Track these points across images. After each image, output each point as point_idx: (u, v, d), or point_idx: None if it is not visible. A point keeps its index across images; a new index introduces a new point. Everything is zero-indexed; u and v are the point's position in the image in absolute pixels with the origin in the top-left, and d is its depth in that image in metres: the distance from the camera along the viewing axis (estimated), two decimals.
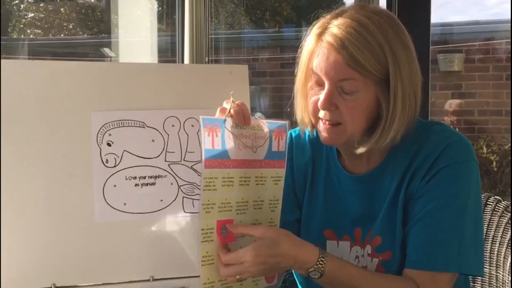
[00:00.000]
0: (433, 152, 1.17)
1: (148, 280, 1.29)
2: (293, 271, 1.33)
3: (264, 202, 1.18)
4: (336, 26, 1.15)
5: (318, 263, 1.10)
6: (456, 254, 1.15)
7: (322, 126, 1.20)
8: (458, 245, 1.15)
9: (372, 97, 1.16)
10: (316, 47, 1.18)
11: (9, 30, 5.19)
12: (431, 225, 1.15)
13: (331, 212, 1.28)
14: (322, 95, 1.16)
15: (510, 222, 1.49)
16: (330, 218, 1.28)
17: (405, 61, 1.15)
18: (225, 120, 1.14)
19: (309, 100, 1.22)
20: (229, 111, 1.14)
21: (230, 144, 1.13)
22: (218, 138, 1.12)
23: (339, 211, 1.27)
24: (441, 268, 1.14)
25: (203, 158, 1.10)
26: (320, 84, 1.18)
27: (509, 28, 4.88)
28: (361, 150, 1.19)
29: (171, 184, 1.30)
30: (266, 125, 1.19)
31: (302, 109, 1.26)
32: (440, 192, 1.16)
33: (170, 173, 1.31)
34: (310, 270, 1.10)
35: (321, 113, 1.19)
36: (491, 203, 1.55)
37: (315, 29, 1.20)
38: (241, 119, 1.14)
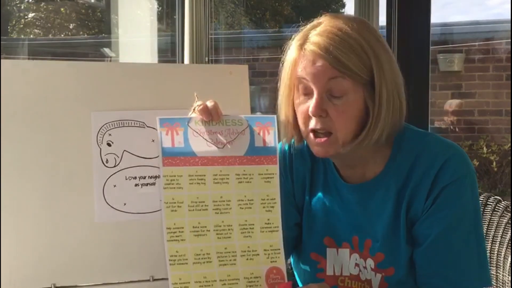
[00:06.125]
0: (432, 168, 1.17)
1: (148, 280, 1.29)
2: (295, 272, 1.33)
3: (254, 201, 1.16)
4: (316, 35, 1.16)
5: None
6: (476, 272, 1.18)
7: (313, 140, 1.19)
8: (476, 262, 1.17)
9: (361, 100, 1.16)
10: (299, 56, 1.18)
11: (9, 30, 5.18)
12: (446, 247, 1.16)
13: (330, 220, 1.28)
14: (312, 101, 1.16)
15: (510, 222, 1.48)
16: (329, 226, 1.28)
17: (386, 62, 1.17)
18: (189, 119, 1.15)
19: (298, 112, 1.20)
20: (194, 109, 1.16)
21: (195, 141, 1.14)
22: (180, 136, 1.14)
23: (338, 219, 1.27)
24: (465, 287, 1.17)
25: (160, 156, 1.12)
26: (307, 93, 1.17)
27: (509, 28, 4.88)
28: (344, 150, 1.17)
29: None
30: (245, 119, 1.18)
31: (286, 122, 1.25)
32: (448, 212, 1.16)
33: None
34: None
35: (312, 123, 1.17)
36: (491, 203, 1.55)
37: (295, 41, 1.20)
38: (207, 115, 1.15)
